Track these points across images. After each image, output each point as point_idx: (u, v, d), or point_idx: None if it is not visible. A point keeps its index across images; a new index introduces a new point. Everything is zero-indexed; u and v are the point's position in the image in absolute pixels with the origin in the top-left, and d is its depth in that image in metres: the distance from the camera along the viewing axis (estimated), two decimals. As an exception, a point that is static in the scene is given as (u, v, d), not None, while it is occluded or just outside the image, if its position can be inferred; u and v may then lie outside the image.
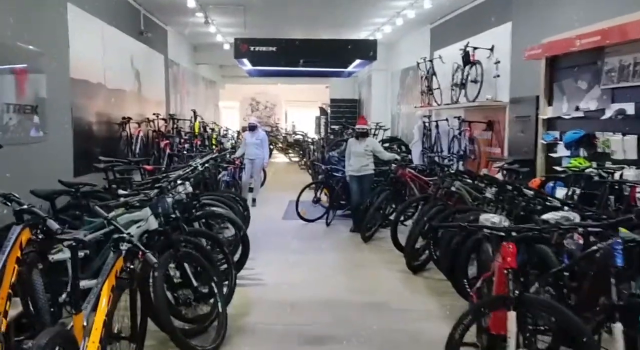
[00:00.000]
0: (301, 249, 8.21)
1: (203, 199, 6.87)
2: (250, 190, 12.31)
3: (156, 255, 4.17)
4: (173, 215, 5.08)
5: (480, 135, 10.22)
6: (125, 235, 3.46)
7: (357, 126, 9.36)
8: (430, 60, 12.21)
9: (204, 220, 6.25)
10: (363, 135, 9.27)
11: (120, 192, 5.62)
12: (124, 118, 9.22)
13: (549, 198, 5.13)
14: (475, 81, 9.90)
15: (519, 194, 5.44)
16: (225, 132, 18.23)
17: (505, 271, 3.38)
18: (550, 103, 7.80)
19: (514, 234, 3.46)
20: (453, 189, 6.77)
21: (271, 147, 23.95)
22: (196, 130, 15.78)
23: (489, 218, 3.94)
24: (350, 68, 14.45)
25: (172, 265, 4.48)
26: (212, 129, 16.90)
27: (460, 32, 11.27)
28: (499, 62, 9.32)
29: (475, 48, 9.93)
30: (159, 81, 12.78)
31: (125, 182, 6.93)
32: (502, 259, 3.45)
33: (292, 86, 27.14)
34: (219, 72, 23.19)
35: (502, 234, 3.49)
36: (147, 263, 3.56)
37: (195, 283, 4.48)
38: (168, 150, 10.05)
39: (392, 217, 8.98)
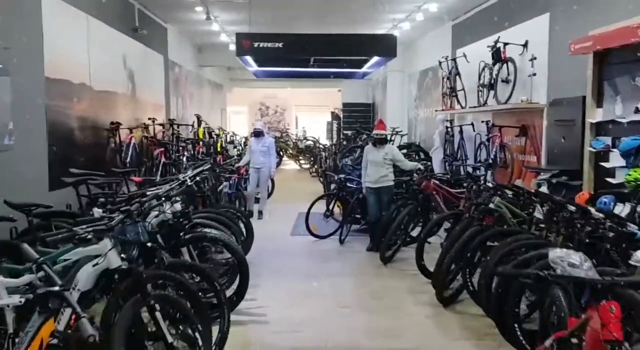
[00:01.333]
0: (311, 273, 7.14)
1: (197, 217, 5.86)
2: (257, 201, 11.30)
3: (119, 301, 3.14)
4: (150, 244, 4.05)
5: (511, 142, 9.12)
6: (56, 287, 2.41)
7: (375, 132, 8.29)
8: (454, 59, 11.11)
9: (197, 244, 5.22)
10: (381, 142, 8.21)
11: (96, 211, 4.60)
12: (112, 123, 8.22)
13: (626, 223, 4.02)
14: (506, 81, 8.80)
15: (582, 215, 4.34)
16: (231, 138, 17.23)
17: (606, 344, 2.30)
18: (599, 104, 6.70)
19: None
20: (492, 206, 5.67)
21: (281, 153, 23.12)
22: (200, 136, 14.83)
23: (564, 257, 2.86)
24: (365, 68, 13.36)
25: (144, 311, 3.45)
26: (217, 135, 15.91)
27: (486, 27, 10.19)
28: (535, 58, 8.22)
29: (505, 44, 8.84)
30: (158, 83, 11.80)
31: (108, 198, 5.91)
32: (601, 325, 2.37)
33: (302, 90, 26.13)
34: (226, 75, 22.21)
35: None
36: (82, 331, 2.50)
37: (169, 337, 3.42)
38: (163, 159, 9.02)
39: (414, 233, 7.98)
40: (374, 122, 20.63)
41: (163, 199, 4.86)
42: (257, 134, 10.96)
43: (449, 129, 11.53)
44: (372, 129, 18.91)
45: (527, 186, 8.20)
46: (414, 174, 8.28)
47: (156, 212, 4.87)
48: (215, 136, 16.00)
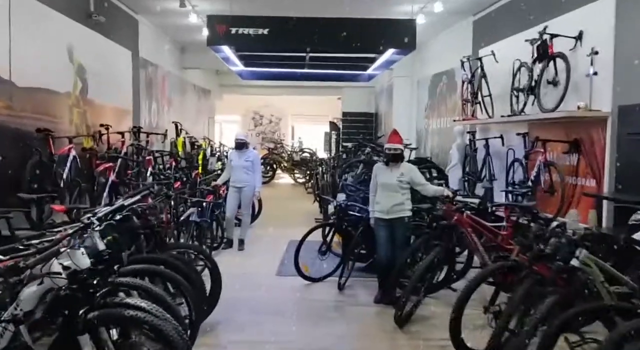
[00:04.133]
0: (296, 345, 5.14)
1: (129, 270, 3.92)
2: (237, 224, 9.32)
3: None
4: None
5: (557, 160, 7.18)
6: None
7: (388, 146, 6.28)
8: (479, 59, 9.17)
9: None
10: (396, 159, 6.23)
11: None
12: (39, 131, 6.23)
13: None
14: (554, 83, 6.88)
15: None
16: (217, 150, 15.26)
17: None
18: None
19: None
20: (575, 262, 3.69)
21: (274, 166, 21.13)
22: (179, 147, 12.88)
23: None
24: (371, 70, 11.34)
25: None
26: (199, 146, 13.94)
27: (520, 19, 8.31)
28: (596, 53, 6.30)
29: (552, 36, 6.93)
30: (123, 84, 9.85)
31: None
32: None
33: (299, 98, 24.18)
34: (215, 80, 20.24)
35: None
36: None
37: None
38: (112, 178, 7.03)
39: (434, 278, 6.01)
40: (377, 133, 18.81)
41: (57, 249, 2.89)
42: (239, 145, 8.98)
43: (471, 143, 9.59)
44: (375, 140, 17.18)
45: (583, 219, 6.30)
46: (439, 202, 6.33)
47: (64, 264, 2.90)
48: (197, 147, 14.06)
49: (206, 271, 5.47)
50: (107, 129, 8.09)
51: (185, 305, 4.24)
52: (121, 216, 4.22)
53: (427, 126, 13.68)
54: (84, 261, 3.27)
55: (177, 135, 13.01)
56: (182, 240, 6.69)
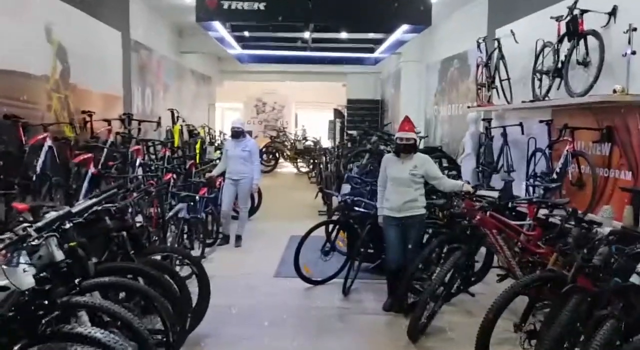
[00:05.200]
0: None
1: (92, 284, 3.26)
2: (235, 218, 8.69)
3: None
4: None
5: (586, 150, 6.47)
6: None
7: (399, 135, 5.56)
8: (497, 40, 8.42)
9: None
10: (408, 149, 5.53)
11: None
12: (7, 117, 5.54)
13: None
14: (584, 63, 6.15)
15: None
16: (215, 139, 14.57)
17: None
18: None
19: None
20: (637, 281, 2.99)
21: (277, 155, 20.44)
22: (176, 135, 12.19)
23: None
24: (378, 52, 10.57)
25: None
26: (197, 134, 13.25)
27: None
28: (634, 29, 5.57)
29: (583, 12, 6.19)
30: (112, 68, 9.15)
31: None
32: None
33: (303, 84, 23.43)
34: (216, 65, 19.47)
35: None
36: None
37: None
38: (91, 170, 6.34)
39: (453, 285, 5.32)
40: (384, 121, 18.08)
41: None
42: (236, 134, 8.30)
43: (488, 131, 8.86)
44: (381, 127, 16.43)
45: (617, 216, 5.64)
46: (453, 197, 5.63)
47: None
48: (195, 135, 13.38)
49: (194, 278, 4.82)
50: (90, 116, 7.40)
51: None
52: (83, 219, 3.53)
53: (436, 113, 12.95)
54: (25, 280, 2.61)
55: (174, 123, 12.32)
56: (169, 240, 6.03)
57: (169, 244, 5.83)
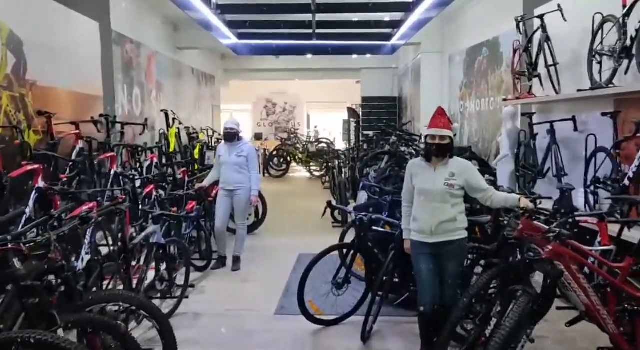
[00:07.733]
0: None
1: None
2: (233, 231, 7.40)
3: None
4: None
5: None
6: None
7: (431, 131, 4.11)
8: (541, 17, 6.99)
9: None
10: (443, 151, 4.14)
11: None
12: None
13: None
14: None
15: None
16: (215, 143, 13.28)
17: None
18: None
19: None
20: None
21: (288, 159, 19.11)
22: (171, 140, 10.94)
23: None
24: (395, 39, 9.17)
25: None
26: (196, 137, 11.99)
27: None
28: None
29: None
30: (86, 63, 7.88)
31: None
32: None
33: (314, 83, 22.10)
34: (220, 63, 18.19)
35: None
36: None
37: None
38: (38, 184, 5.02)
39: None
40: (402, 120, 16.66)
41: None
42: (229, 136, 6.97)
43: (530, 127, 7.44)
44: (400, 126, 15.01)
45: None
46: (505, 216, 4.24)
47: None
48: (195, 139, 12.14)
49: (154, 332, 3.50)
50: (48, 118, 6.11)
51: None
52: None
53: (462, 109, 11.54)
54: None
55: (168, 125, 11.07)
56: (139, 274, 4.70)
57: (135, 281, 4.51)
